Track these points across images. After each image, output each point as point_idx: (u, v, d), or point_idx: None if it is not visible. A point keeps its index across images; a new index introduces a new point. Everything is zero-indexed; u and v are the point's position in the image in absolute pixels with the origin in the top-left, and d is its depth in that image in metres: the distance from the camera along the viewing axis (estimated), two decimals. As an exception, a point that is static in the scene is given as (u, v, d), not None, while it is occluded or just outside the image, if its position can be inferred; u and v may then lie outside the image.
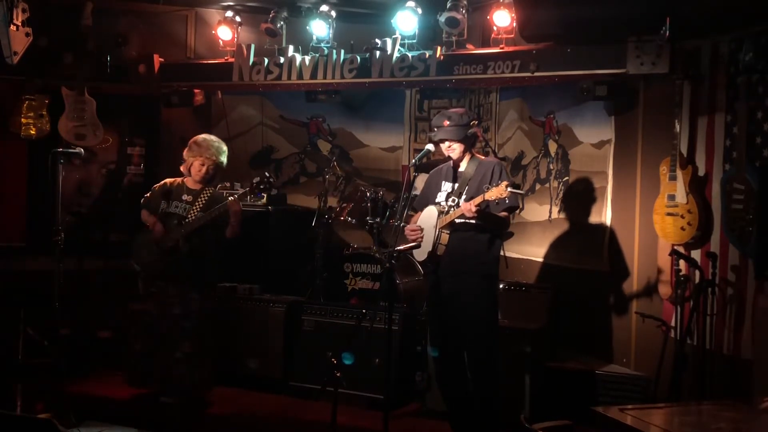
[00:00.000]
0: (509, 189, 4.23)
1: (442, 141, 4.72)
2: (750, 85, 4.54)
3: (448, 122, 4.68)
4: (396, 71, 6.05)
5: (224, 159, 5.49)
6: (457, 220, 4.57)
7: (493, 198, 4.30)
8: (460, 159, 4.76)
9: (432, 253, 4.65)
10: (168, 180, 5.56)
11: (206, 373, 5.44)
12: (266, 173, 5.37)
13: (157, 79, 6.83)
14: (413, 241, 4.75)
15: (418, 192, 6.44)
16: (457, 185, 4.73)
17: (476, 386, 4.69)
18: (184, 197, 5.42)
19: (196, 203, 5.38)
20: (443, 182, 4.83)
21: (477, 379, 4.69)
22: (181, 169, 5.51)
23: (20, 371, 5.88)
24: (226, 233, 5.38)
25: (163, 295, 5.37)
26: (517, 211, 6.60)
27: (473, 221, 4.55)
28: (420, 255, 4.77)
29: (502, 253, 4.97)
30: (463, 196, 4.62)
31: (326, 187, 6.62)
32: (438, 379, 5.01)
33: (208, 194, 5.43)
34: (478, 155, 4.86)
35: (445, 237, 4.60)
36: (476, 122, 4.78)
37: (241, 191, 5.38)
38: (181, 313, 5.33)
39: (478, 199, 4.40)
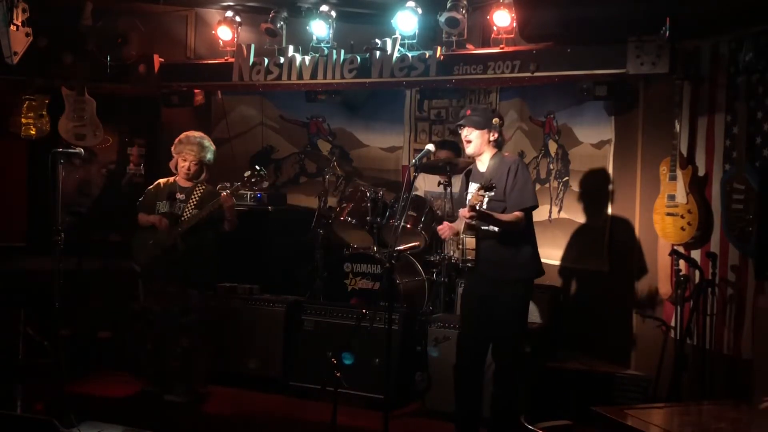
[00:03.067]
0: (479, 192, 4.25)
1: (462, 127, 4.71)
2: (750, 85, 4.55)
3: (470, 111, 4.72)
4: (396, 71, 6.04)
5: (209, 155, 5.54)
6: (484, 227, 4.54)
7: (475, 203, 4.30)
8: (480, 153, 4.73)
9: (463, 259, 4.60)
10: (161, 180, 5.64)
11: (202, 368, 5.48)
12: (257, 167, 5.43)
13: (157, 79, 6.82)
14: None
15: (419, 192, 6.46)
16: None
17: (498, 389, 4.67)
18: (178, 196, 5.48)
19: (190, 201, 5.44)
20: (471, 183, 4.80)
21: (499, 382, 4.66)
22: (170, 165, 5.60)
23: (20, 371, 5.88)
24: (223, 228, 5.43)
25: (163, 294, 5.44)
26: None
27: (495, 227, 4.53)
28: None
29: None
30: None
31: (326, 187, 6.62)
32: (455, 379, 4.90)
33: (201, 190, 5.48)
34: (505, 154, 4.82)
35: (470, 242, 4.52)
36: (499, 120, 4.73)
37: (234, 186, 5.42)
38: (180, 310, 5.41)
39: (469, 205, 4.39)
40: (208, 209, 5.34)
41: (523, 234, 4.64)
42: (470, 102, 7.36)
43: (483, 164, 4.73)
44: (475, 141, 4.68)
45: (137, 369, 5.65)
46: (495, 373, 4.68)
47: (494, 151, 4.72)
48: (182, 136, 5.55)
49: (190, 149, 5.47)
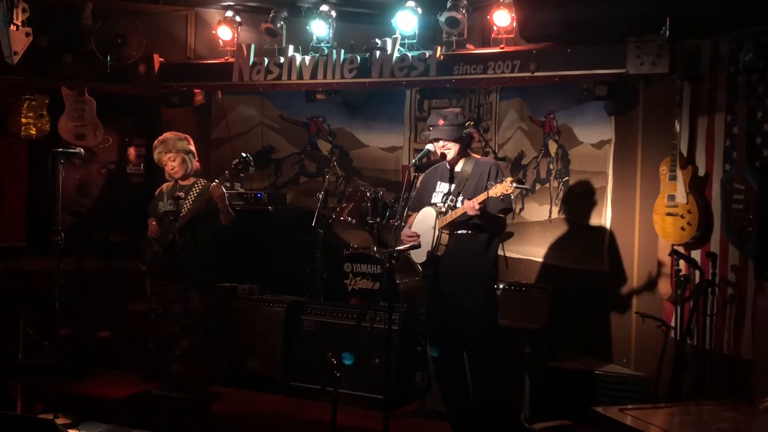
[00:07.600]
0: (514, 184, 4.25)
1: (437, 140, 4.72)
2: (750, 85, 4.54)
3: (443, 121, 4.69)
4: (396, 71, 6.04)
5: (186, 145, 5.55)
6: (458, 220, 4.57)
7: (498, 194, 4.31)
8: (456, 159, 4.75)
9: (432, 254, 4.65)
10: (164, 184, 5.69)
11: (202, 371, 5.48)
12: (243, 153, 5.45)
13: (157, 79, 6.82)
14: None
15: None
16: (453, 186, 4.73)
17: (476, 387, 4.70)
18: (177, 194, 5.52)
19: (188, 197, 5.48)
20: (439, 182, 4.83)
21: (477, 380, 4.69)
22: (166, 175, 5.63)
23: (20, 371, 5.88)
24: (220, 221, 5.43)
25: (164, 294, 5.46)
26: (517, 211, 6.63)
27: (472, 222, 4.55)
28: (419, 257, 4.77)
29: (501, 253, 4.97)
30: (461, 197, 4.62)
31: (326, 187, 6.62)
32: (438, 379, 5.02)
33: (199, 187, 5.52)
34: (475, 155, 4.86)
35: (445, 237, 4.61)
36: (472, 123, 4.78)
37: (222, 175, 5.44)
38: (180, 311, 5.41)
39: (482, 197, 4.40)
40: (200, 201, 5.39)
41: (491, 236, 4.70)
42: (469, 102, 7.36)
43: (458, 165, 4.77)
44: (453, 149, 4.71)
45: (142, 370, 5.66)
46: (470, 373, 4.72)
47: (466, 151, 4.78)
48: (155, 142, 5.58)
49: (161, 150, 5.52)
